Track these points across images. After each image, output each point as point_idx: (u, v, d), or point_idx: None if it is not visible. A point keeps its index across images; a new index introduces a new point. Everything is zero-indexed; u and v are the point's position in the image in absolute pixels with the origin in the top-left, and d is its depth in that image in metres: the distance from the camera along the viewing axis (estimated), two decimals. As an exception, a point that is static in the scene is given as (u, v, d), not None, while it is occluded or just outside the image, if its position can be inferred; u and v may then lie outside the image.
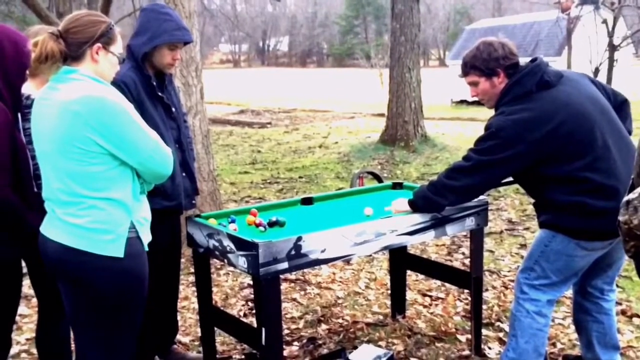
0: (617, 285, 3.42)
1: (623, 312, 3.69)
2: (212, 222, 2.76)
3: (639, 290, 4.05)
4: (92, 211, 2.01)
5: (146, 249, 2.15)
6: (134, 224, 2.08)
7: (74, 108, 1.95)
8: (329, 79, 41.55)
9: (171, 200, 2.83)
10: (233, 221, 2.76)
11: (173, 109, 2.91)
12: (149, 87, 2.78)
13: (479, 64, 2.67)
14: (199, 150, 4.81)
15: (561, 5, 6.99)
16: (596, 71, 7.18)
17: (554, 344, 3.30)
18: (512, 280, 4.26)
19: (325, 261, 2.59)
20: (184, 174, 2.94)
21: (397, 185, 3.53)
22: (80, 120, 1.94)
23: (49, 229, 2.09)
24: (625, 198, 1.60)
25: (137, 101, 2.64)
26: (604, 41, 8.93)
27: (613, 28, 7.01)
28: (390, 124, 10.90)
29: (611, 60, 6.76)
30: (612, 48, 6.91)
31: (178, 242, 3.09)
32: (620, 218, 1.60)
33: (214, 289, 4.14)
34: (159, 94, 2.83)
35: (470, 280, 3.15)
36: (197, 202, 4.81)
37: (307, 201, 3.23)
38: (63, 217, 2.03)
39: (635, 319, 3.63)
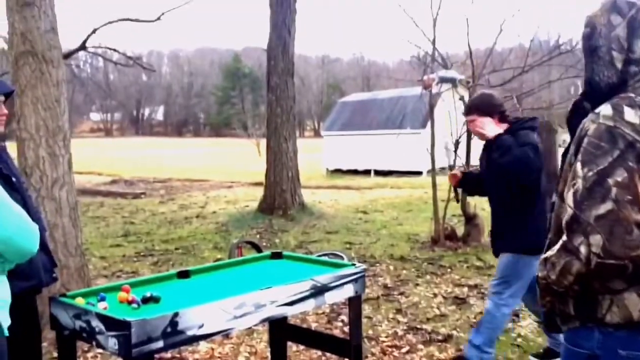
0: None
1: None
2: (79, 301, 2.57)
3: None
4: None
5: (6, 334, 1.96)
6: None
7: None
8: (206, 148, 41.35)
9: (30, 279, 2.57)
10: (103, 299, 2.59)
11: (14, 179, 2.63)
12: None
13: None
14: (65, 223, 4.53)
15: (423, 83, 7.57)
16: (457, 143, 7.76)
17: None
18: (390, 346, 4.34)
19: (204, 337, 2.49)
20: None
21: (276, 255, 3.53)
22: None
23: None
24: (543, 256, 1.69)
25: None
26: (461, 116, 9.73)
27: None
28: (268, 193, 10.98)
29: (469, 133, 7.34)
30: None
31: (37, 326, 2.82)
32: (539, 274, 1.70)
33: (81, 374, 3.82)
34: (7, 166, 2.57)
35: (350, 348, 3.16)
36: (64, 280, 4.51)
37: (183, 274, 3.13)
38: None
39: None
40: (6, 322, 1.97)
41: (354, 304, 3.13)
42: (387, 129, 21.10)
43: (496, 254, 3.75)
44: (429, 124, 8.84)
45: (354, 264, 3.19)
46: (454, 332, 4.59)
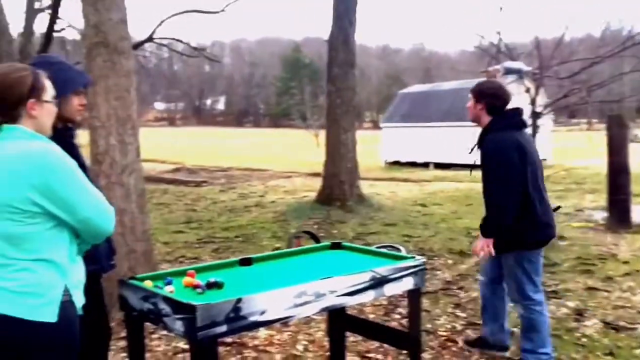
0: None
1: None
2: (147, 284, 2.67)
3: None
4: (24, 274, 1.90)
5: (80, 312, 2.05)
6: (68, 288, 1.98)
7: (15, 167, 1.88)
8: (265, 138, 41.87)
9: (95, 263, 2.63)
10: (169, 283, 2.68)
11: (84, 168, 2.74)
12: (64, 146, 2.64)
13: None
14: (133, 209, 4.70)
15: (487, 74, 7.40)
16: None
17: None
18: (449, 340, 4.30)
19: (265, 323, 2.54)
20: None
21: (335, 245, 3.55)
22: (22, 180, 1.87)
23: None
24: None
25: None
26: (527, 108, 9.45)
27: (535, 97, 7.44)
28: (326, 184, 11.02)
29: (534, 126, 7.14)
30: (535, 115, 7.31)
31: (103, 307, 2.94)
32: None
33: (147, 355, 3.97)
34: (74, 153, 2.67)
35: (408, 341, 3.16)
36: (131, 263, 4.68)
37: (245, 262, 3.19)
38: None
39: None
40: (81, 301, 2.06)
41: (414, 296, 3.12)
42: (447, 121, 20.76)
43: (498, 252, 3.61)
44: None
45: (414, 257, 3.17)
46: (515, 330, 4.50)
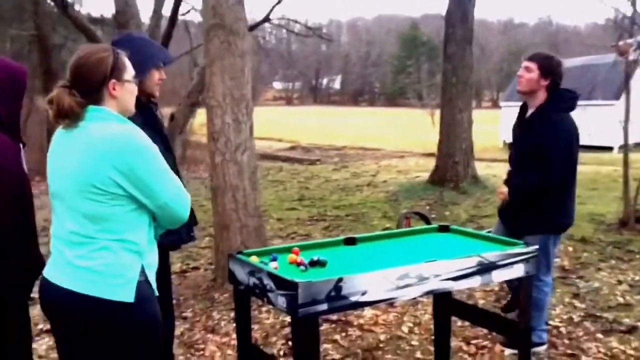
0: None
1: None
2: (254, 259, 2.75)
3: None
4: (104, 253, 1.93)
5: (156, 293, 2.07)
6: (144, 268, 2.01)
7: (99, 148, 1.90)
8: (380, 117, 41.67)
9: (173, 234, 2.68)
10: (275, 259, 2.74)
11: (168, 141, 2.84)
12: (149, 119, 2.70)
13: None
14: (246, 186, 4.86)
15: (618, 49, 6.82)
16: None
17: None
18: (565, 332, 4.07)
19: (366, 304, 2.53)
20: None
21: (443, 228, 3.45)
22: (105, 161, 1.89)
23: (54, 273, 2.00)
24: None
25: None
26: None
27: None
28: (440, 164, 10.78)
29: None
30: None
31: (169, 277, 3.02)
32: None
33: (255, 326, 4.12)
34: (159, 126, 2.77)
35: (517, 331, 3.02)
36: (243, 237, 4.86)
37: (350, 241, 3.19)
38: (72, 260, 1.95)
39: None
40: (154, 283, 2.08)
41: (525, 285, 2.97)
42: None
43: (518, 234, 3.50)
44: (623, 94, 7.99)
45: (526, 243, 3.01)
46: (640, 324, 4.18)
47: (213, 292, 4.95)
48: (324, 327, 4.12)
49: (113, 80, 1.99)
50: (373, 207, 9.30)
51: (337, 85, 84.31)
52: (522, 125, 3.70)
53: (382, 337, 4.02)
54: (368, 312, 4.43)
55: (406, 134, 26.66)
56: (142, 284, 1.99)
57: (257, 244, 4.89)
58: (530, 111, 3.65)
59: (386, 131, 28.95)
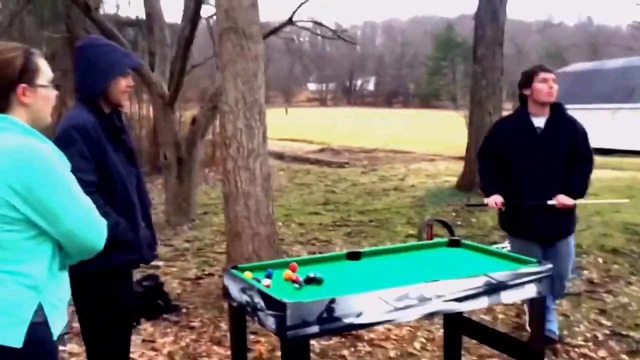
0: None
1: None
2: (247, 275, 2.63)
3: None
4: None
5: (54, 338, 1.75)
6: (43, 307, 1.70)
7: None
8: (413, 119, 41.25)
9: (135, 253, 2.58)
10: (269, 275, 2.62)
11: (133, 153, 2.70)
12: (110, 130, 2.55)
13: None
14: (258, 193, 4.75)
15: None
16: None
17: None
18: (585, 355, 3.84)
19: (361, 326, 2.39)
20: (144, 224, 2.65)
21: (453, 243, 3.28)
22: None
23: None
24: None
25: (99, 147, 2.44)
26: None
27: None
28: (468, 169, 10.51)
29: None
30: None
31: (131, 298, 2.78)
32: None
33: (262, 339, 4.01)
34: (122, 137, 2.62)
35: (529, 353, 2.84)
36: (255, 246, 4.75)
37: (353, 256, 3.05)
38: None
39: None
40: (60, 323, 1.79)
41: (536, 306, 2.79)
42: (612, 102, 18.88)
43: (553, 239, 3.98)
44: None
45: (539, 261, 2.83)
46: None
47: (223, 302, 4.85)
48: (333, 341, 3.99)
49: (23, 85, 1.73)
50: (398, 212, 9.10)
51: (371, 86, 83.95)
52: (543, 132, 3.89)
53: (392, 354, 3.87)
54: (379, 326, 4.27)
55: (438, 137, 26.25)
56: (37, 327, 1.68)
57: (270, 252, 4.78)
58: (541, 118, 3.91)
59: (418, 133, 28.59)
